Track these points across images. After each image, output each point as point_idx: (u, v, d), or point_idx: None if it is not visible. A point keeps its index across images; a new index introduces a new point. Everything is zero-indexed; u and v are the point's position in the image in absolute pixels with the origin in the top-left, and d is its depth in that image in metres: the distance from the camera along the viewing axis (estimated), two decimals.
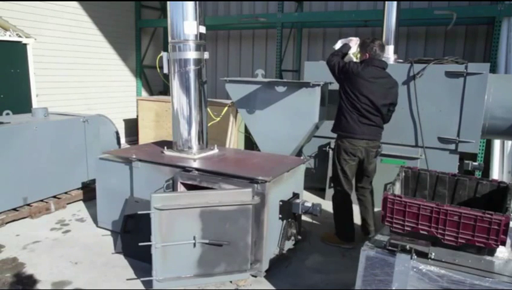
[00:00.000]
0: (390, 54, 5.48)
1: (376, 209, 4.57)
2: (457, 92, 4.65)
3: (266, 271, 3.40)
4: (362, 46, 3.93)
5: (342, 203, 4.03)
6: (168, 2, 3.74)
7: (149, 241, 3.01)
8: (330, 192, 5.38)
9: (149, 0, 9.39)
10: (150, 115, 7.89)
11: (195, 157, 3.89)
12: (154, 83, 9.79)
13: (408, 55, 6.77)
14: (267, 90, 4.63)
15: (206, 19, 4.04)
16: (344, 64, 3.89)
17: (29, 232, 4.24)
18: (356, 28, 7.75)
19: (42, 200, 4.76)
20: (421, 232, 2.44)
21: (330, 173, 5.36)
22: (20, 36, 6.07)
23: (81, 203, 5.10)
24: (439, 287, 2.14)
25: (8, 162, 4.35)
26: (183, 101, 3.88)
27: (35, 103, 6.26)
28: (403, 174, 3.12)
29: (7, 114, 5.38)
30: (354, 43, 4.19)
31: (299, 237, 3.99)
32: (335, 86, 4.80)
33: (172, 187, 3.60)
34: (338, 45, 4.40)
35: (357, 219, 4.18)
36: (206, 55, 3.89)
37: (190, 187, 3.55)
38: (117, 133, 6.07)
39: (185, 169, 3.58)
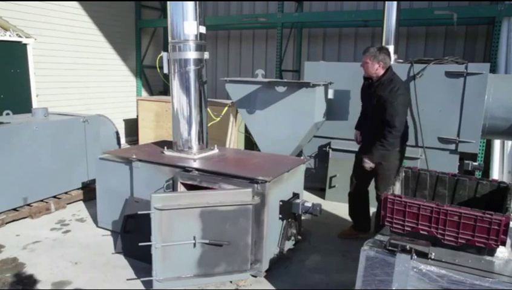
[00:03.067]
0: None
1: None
2: (457, 92, 4.64)
3: (266, 271, 3.40)
4: (375, 58, 3.63)
5: None
6: (168, 2, 3.74)
7: (149, 241, 3.01)
8: (330, 192, 5.39)
9: (149, 0, 9.40)
10: (150, 115, 7.89)
11: (195, 158, 3.89)
12: (154, 83, 9.79)
13: (408, 55, 6.77)
14: (267, 90, 4.63)
15: (206, 19, 4.04)
16: (400, 110, 3.60)
17: (29, 232, 4.24)
18: (356, 28, 7.75)
19: (42, 200, 4.76)
20: (421, 232, 2.44)
21: (330, 173, 5.37)
22: (20, 36, 6.06)
23: (81, 203, 5.10)
24: (439, 287, 2.13)
25: (8, 162, 4.35)
26: (183, 101, 3.88)
27: (35, 103, 6.26)
28: (403, 174, 3.12)
29: (7, 114, 5.38)
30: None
31: (299, 237, 3.99)
32: (338, 86, 4.82)
33: (172, 187, 3.60)
34: None
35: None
36: (206, 55, 3.89)
37: (190, 187, 3.55)
38: (117, 133, 6.07)
39: (185, 169, 3.58)
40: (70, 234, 4.25)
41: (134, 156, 3.90)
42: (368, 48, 3.75)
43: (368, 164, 3.73)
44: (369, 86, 3.83)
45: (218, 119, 5.44)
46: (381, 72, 3.70)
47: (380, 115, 3.65)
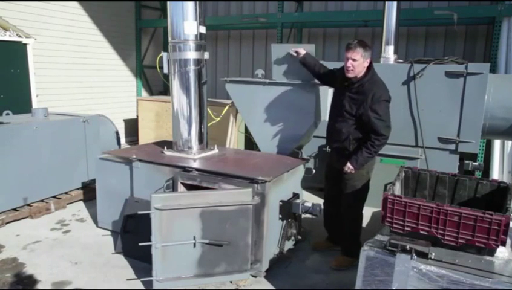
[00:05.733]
0: (390, 54, 5.48)
1: (375, 210, 4.59)
2: (457, 92, 4.64)
3: (266, 271, 3.41)
4: (364, 56, 3.26)
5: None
6: (168, 2, 3.75)
7: (149, 241, 3.01)
8: None
9: (149, 0, 9.40)
10: (150, 115, 7.89)
11: (195, 158, 3.89)
12: (154, 83, 9.79)
13: (408, 55, 6.76)
14: (267, 90, 4.62)
15: (206, 19, 4.04)
16: (386, 118, 3.28)
17: (29, 232, 4.24)
18: (356, 28, 7.75)
19: (42, 200, 4.76)
20: (421, 232, 2.44)
21: None
22: (20, 36, 6.06)
23: (81, 203, 5.10)
24: (439, 287, 2.14)
25: (8, 162, 4.34)
26: (183, 101, 3.88)
27: (35, 103, 6.26)
28: (403, 174, 3.12)
29: (7, 114, 5.39)
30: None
31: (299, 237, 3.99)
32: None
33: (172, 187, 3.60)
34: None
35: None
36: (206, 55, 3.89)
37: (190, 187, 3.55)
38: (117, 133, 6.07)
39: (185, 169, 3.58)
40: (70, 234, 4.25)
41: (134, 156, 3.90)
42: (354, 42, 3.23)
43: (350, 169, 3.38)
44: (347, 86, 3.39)
45: (218, 119, 5.43)
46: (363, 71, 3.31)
47: (356, 119, 3.35)
